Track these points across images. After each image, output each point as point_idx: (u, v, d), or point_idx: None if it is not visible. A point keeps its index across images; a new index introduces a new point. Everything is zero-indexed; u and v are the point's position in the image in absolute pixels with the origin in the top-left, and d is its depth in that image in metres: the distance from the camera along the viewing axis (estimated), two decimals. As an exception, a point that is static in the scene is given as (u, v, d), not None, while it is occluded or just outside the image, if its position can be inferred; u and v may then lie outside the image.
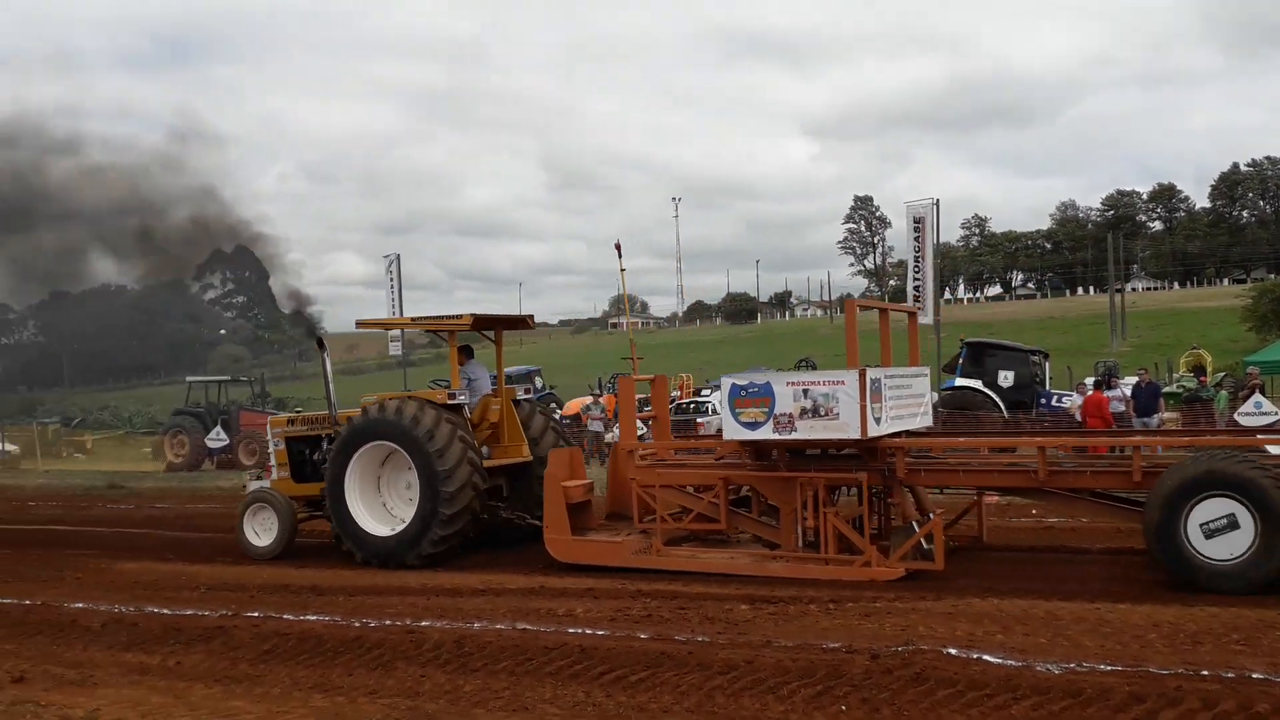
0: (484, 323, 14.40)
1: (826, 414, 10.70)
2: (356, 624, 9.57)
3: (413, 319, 15.54)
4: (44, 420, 51.54)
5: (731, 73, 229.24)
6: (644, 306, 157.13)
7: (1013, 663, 7.35)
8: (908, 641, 8.00)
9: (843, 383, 10.62)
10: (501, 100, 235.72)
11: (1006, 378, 26.80)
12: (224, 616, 10.14)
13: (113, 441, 47.34)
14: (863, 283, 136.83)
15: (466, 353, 14.40)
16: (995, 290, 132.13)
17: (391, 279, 40.25)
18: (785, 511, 11.39)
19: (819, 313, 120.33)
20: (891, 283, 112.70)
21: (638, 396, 11.98)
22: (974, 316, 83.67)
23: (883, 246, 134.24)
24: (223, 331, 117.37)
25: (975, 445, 12.52)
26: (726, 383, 11.37)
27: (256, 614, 10.21)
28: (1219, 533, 9.34)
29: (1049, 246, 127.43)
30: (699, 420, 30.20)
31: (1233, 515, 9.29)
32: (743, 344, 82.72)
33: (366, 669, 8.22)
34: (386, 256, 41.11)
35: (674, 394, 43.16)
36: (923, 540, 10.87)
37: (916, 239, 32.15)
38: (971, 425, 23.19)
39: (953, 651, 7.66)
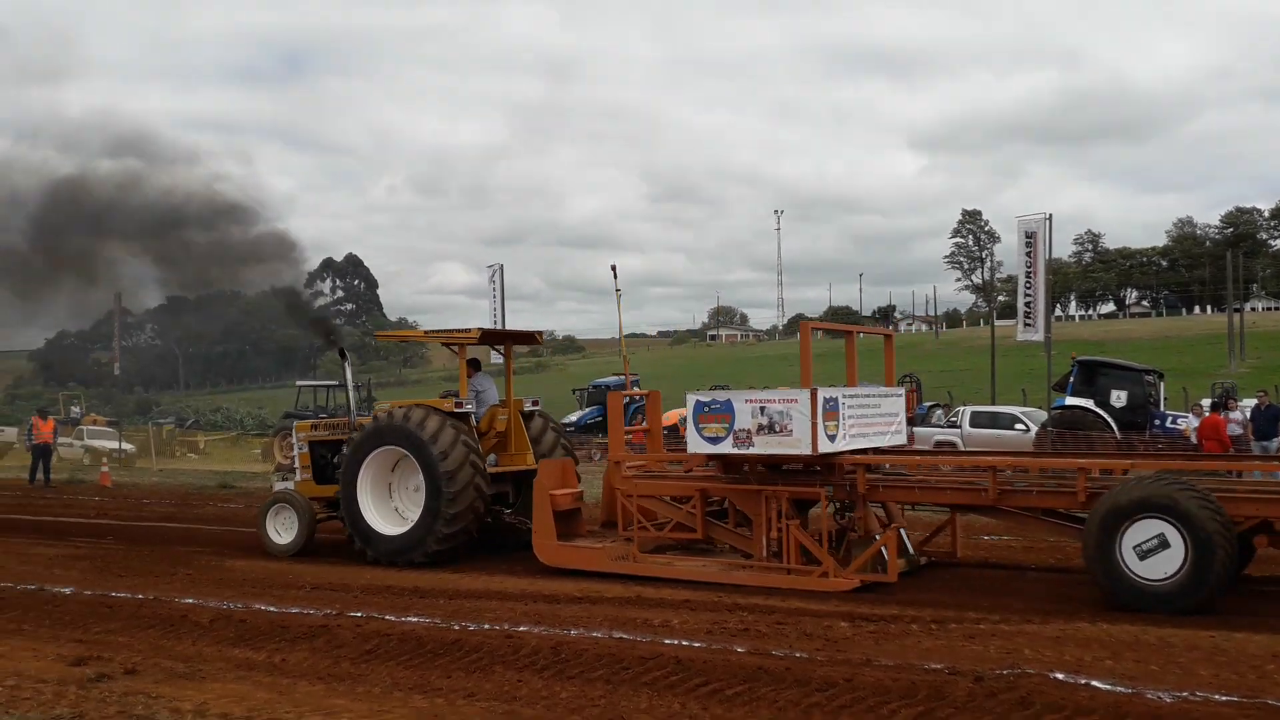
0: (492, 337, 15.31)
1: (781, 430, 11.38)
2: (456, 627, 9.67)
3: (426, 332, 16.41)
4: (159, 421, 53.34)
5: (838, 86, 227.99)
6: (743, 319, 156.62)
7: (1122, 689, 7.11)
8: (1013, 665, 7.80)
9: (795, 401, 11.30)
10: (605, 114, 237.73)
11: (1119, 398, 26.02)
12: (328, 616, 10.33)
13: (225, 442, 48.77)
14: (969, 298, 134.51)
15: (475, 365, 14.99)
16: (1109, 308, 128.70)
17: (494, 289, 40.69)
18: (756, 522, 11.88)
19: (924, 328, 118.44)
20: (1000, 298, 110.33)
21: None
22: (1086, 334, 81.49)
23: (991, 261, 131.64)
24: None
25: (932, 464, 12.72)
26: (691, 399, 12.08)
27: (359, 614, 10.39)
28: (1151, 553, 9.65)
29: (1165, 264, 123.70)
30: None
31: (1163, 536, 9.59)
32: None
33: (465, 671, 8.30)
34: (490, 267, 41.59)
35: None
36: (882, 550, 11.31)
37: (1028, 254, 31.53)
38: (1082, 446, 22.62)
39: (1060, 676, 7.45)
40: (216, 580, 12.76)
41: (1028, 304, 31.62)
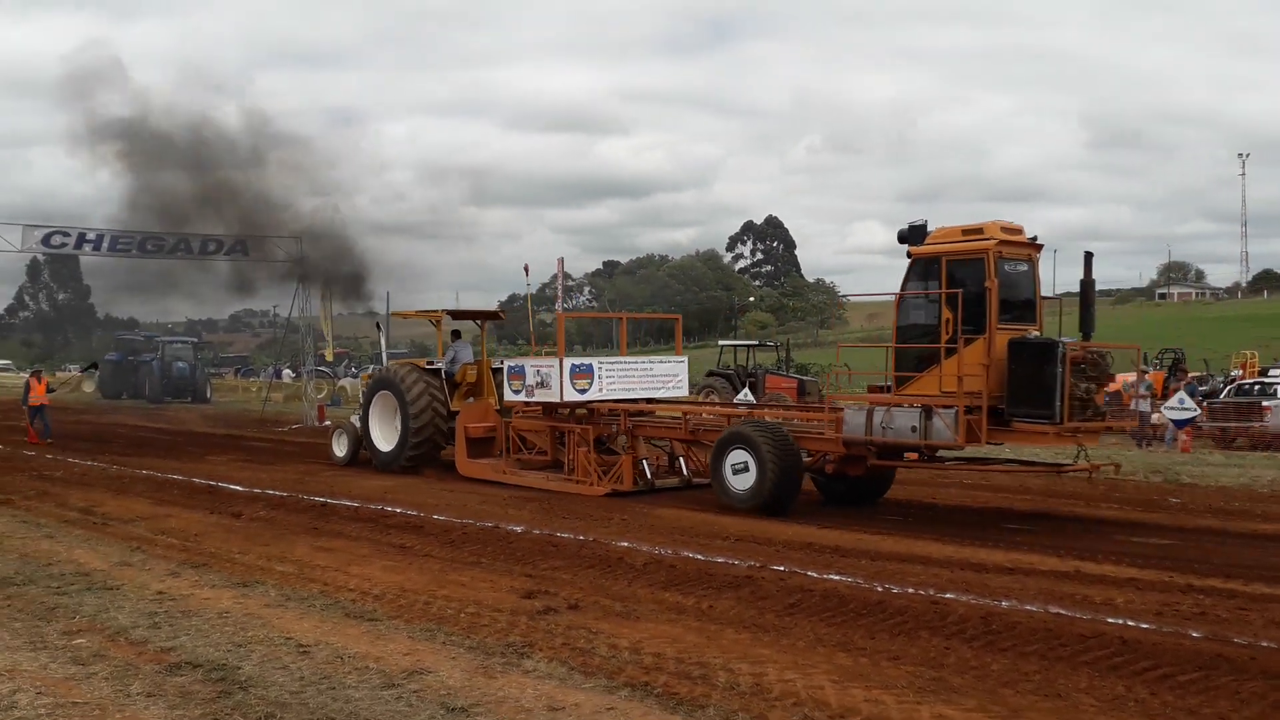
0: (458, 315, 22.10)
1: (547, 385, 16.76)
2: (879, 588, 9.55)
3: (418, 311, 22.26)
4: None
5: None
6: (1199, 275, 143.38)
7: None
8: None
9: (553, 366, 16.67)
10: (1041, 58, 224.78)
11: None
12: (752, 567, 10.54)
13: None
14: None
15: (456, 335, 21.32)
16: None
17: (916, 247, 39.68)
18: (567, 447, 17.28)
19: None
20: None
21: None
22: None
23: None
24: (751, 299, 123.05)
25: (649, 410, 17.33)
26: (506, 365, 18.19)
27: (782, 568, 10.52)
28: (740, 472, 14.12)
29: None
30: (1265, 404, 25.51)
31: (747, 461, 14.01)
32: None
33: (889, 634, 8.15)
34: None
35: (1234, 373, 38.67)
36: (646, 469, 16.57)
37: None
38: None
39: None
40: (648, 526, 13.40)
41: None
